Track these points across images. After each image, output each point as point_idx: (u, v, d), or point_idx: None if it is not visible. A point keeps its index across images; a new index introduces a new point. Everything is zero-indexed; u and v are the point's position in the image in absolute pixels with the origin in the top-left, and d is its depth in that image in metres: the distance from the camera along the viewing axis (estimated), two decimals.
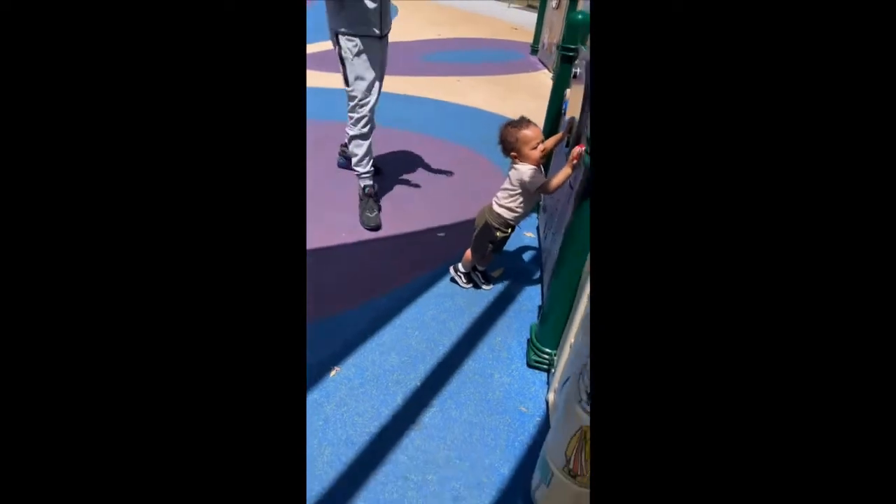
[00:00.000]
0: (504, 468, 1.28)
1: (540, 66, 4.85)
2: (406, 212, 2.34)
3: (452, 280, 1.90)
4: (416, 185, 2.58)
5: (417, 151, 2.92)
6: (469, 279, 1.88)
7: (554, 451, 0.94)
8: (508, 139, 1.60)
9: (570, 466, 0.89)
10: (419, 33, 5.58)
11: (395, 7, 6.71)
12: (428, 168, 2.75)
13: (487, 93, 3.96)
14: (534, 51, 5.18)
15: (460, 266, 1.87)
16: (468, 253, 1.81)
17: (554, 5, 4.68)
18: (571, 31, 1.94)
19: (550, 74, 4.70)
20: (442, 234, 2.21)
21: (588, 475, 0.87)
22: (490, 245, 1.74)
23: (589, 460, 0.84)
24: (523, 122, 1.60)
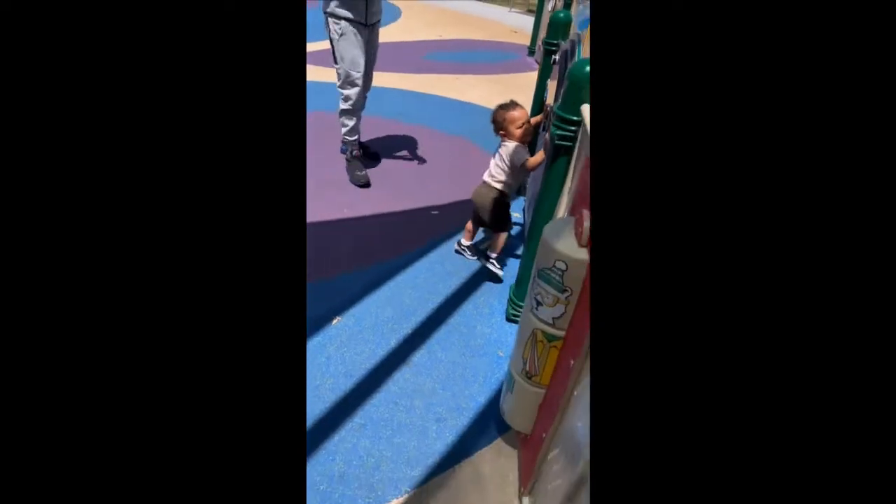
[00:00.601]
0: (481, 397, 1.48)
1: (536, 66, 5.06)
2: (404, 193, 2.55)
3: (490, 267, 1.99)
4: (415, 170, 2.79)
5: (417, 141, 3.13)
6: (477, 253, 2.07)
7: (515, 360, 1.14)
8: (498, 119, 1.82)
9: (527, 368, 1.09)
10: (422, 34, 5.81)
11: (399, 8, 6.95)
12: (426, 156, 2.96)
13: (484, 90, 4.17)
14: (531, 52, 5.40)
15: (491, 253, 1.98)
16: (501, 238, 1.95)
17: (550, 8, 4.90)
18: (554, 27, 2.16)
19: None
20: (435, 212, 2.42)
21: (541, 375, 1.07)
22: (506, 213, 1.94)
23: (540, 359, 1.04)
24: (511, 104, 1.82)
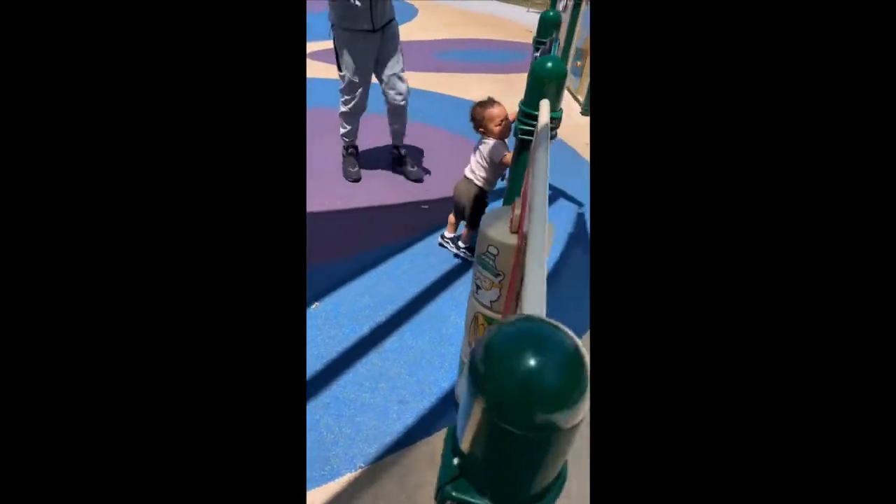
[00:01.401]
0: (445, 383, 1.53)
1: None
2: (398, 187, 2.61)
3: (463, 256, 2.09)
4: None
5: (417, 138, 3.18)
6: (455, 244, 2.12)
7: (464, 346, 1.18)
8: (476, 117, 1.86)
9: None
10: (436, 33, 5.87)
11: (416, 7, 7.02)
12: (424, 152, 3.01)
13: (490, 89, 4.19)
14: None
15: (461, 243, 2.09)
16: (473, 232, 2.02)
17: (561, 8, 4.91)
18: (543, 25, 2.19)
19: None
20: (426, 207, 2.47)
21: None
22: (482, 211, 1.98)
23: None
24: (490, 102, 1.85)
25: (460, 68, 4.72)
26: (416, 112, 3.57)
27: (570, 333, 0.45)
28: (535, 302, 0.61)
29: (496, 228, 0.95)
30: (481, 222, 0.99)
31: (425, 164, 2.88)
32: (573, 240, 2.35)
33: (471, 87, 4.21)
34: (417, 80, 4.23)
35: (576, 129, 3.67)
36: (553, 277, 2.08)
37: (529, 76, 1.37)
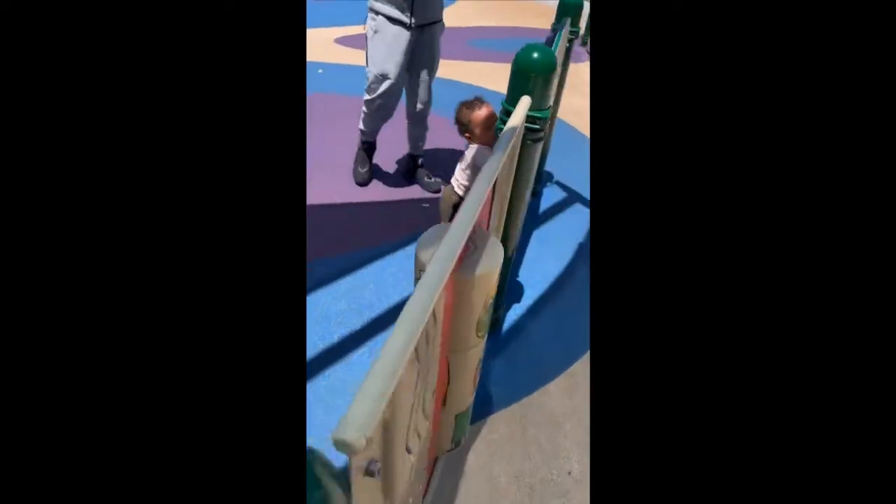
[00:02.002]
0: None
1: (585, 56, 4.77)
2: (402, 183, 2.48)
3: None
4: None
5: (436, 130, 3.02)
6: None
7: None
8: (462, 120, 1.64)
9: None
10: (471, 20, 5.66)
11: None
12: (436, 148, 2.85)
13: None
14: (584, 42, 5.09)
15: None
16: None
17: None
18: (561, 10, 1.97)
19: None
20: (426, 205, 2.32)
21: None
22: None
23: None
24: (476, 103, 1.64)
25: (492, 57, 4.51)
26: (439, 101, 3.40)
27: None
28: (372, 391, 0.49)
29: (426, 251, 0.80)
30: (418, 242, 0.84)
31: (441, 158, 2.72)
32: (574, 249, 2.15)
33: (500, 76, 4.00)
34: (445, 69, 4.03)
35: (581, 115, 3.40)
36: (551, 286, 1.91)
37: (512, 68, 1.20)
